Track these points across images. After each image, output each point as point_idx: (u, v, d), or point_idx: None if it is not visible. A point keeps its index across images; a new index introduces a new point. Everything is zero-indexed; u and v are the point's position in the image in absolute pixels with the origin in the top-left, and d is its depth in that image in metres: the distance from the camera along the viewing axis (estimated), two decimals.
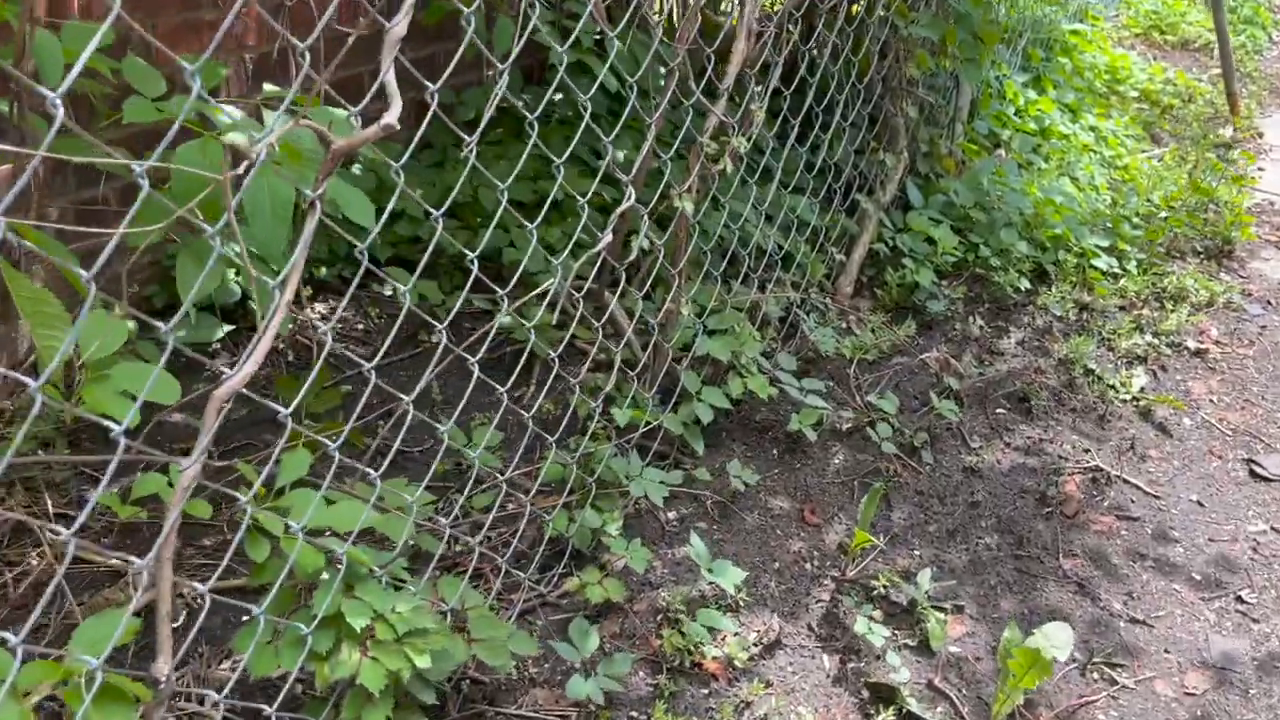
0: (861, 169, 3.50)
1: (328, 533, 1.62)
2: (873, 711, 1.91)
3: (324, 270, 3.14)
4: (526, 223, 1.77)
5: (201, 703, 1.71)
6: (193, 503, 1.57)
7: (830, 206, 3.37)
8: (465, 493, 2.12)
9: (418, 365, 2.84)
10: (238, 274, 2.80)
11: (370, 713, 1.49)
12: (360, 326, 3.06)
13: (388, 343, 1.48)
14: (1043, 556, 2.35)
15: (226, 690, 1.37)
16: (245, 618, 1.45)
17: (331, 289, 3.15)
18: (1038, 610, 2.20)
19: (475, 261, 1.62)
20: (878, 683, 1.95)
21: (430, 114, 1.37)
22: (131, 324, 2.75)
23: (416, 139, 1.44)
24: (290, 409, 1.29)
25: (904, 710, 1.90)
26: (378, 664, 1.48)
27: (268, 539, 1.52)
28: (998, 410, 2.87)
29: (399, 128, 1.22)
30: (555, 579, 2.11)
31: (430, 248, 1.57)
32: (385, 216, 1.46)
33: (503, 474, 2.01)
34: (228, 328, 2.80)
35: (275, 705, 1.44)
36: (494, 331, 3.11)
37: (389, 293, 3.11)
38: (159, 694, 1.21)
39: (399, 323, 1.55)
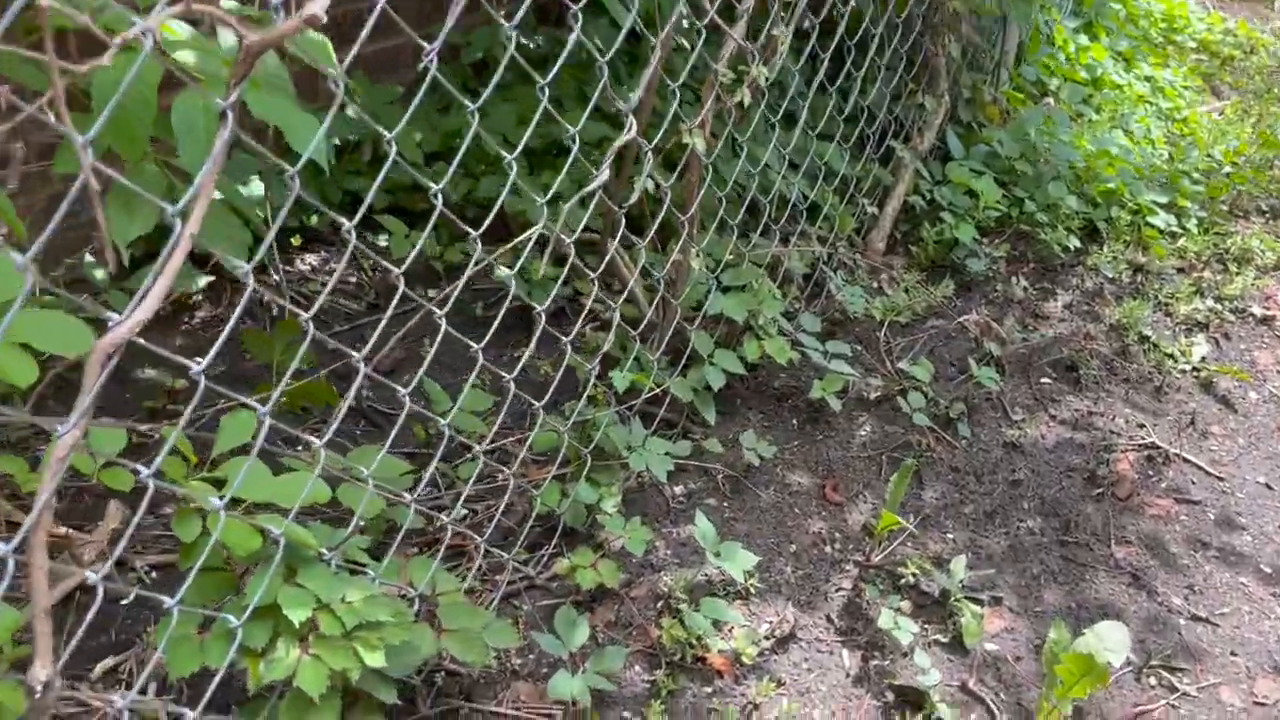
0: (898, 114, 3.22)
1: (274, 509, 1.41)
2: (898, 717, 1.69)
3: (314, 218, 2.92)
4: (510, 170, 1.54)
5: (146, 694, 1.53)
6: (114, 472, 1.36)
7: (862, 154, 3.10)
8: (442, 462, 1.90)
9: (412, 319, 2.63)
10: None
11: (313, 718, 1.29)
12: (352, 279, 2.85)
13: (323, 297, 1.25)
14: (1092, 543, 2.10)
15: (138, 686, 1.17)
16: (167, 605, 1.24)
17: (324, 239, 2.94)
18: (1086, 604, 1.96)
19: (439, 197, 1.40)
20: (904, 685, 1.73)
21: (367, 30, 1.14)
22: (101, 273, 2.58)
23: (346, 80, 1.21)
24: (203, 366, 1.08)
25: (933, 716, 1.68)
26: (319, 663, 1.27)
27: (199, 515, 1.32)
28: (1043, 380, 2.61)
29: (325, 19, 0.99)
30: (545, 559, 1.90)
31: (367, 202, 1.35)
32: (378, 160, 1.24)
33: (484, 441, 1.80)
34: (209, 278, 2.59)
35: (199, 708, 1.23)
36: (495, 286, 2.90)
37: (384, 243, 2.89)
38: (37, 703, 1.01)
39: (335, 276, 1.32)
